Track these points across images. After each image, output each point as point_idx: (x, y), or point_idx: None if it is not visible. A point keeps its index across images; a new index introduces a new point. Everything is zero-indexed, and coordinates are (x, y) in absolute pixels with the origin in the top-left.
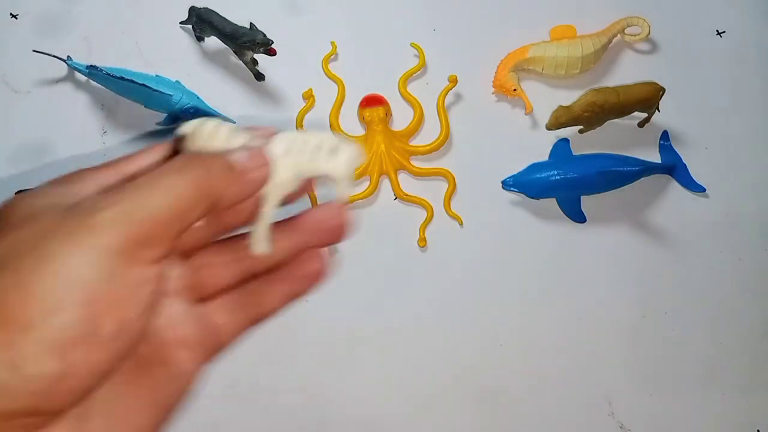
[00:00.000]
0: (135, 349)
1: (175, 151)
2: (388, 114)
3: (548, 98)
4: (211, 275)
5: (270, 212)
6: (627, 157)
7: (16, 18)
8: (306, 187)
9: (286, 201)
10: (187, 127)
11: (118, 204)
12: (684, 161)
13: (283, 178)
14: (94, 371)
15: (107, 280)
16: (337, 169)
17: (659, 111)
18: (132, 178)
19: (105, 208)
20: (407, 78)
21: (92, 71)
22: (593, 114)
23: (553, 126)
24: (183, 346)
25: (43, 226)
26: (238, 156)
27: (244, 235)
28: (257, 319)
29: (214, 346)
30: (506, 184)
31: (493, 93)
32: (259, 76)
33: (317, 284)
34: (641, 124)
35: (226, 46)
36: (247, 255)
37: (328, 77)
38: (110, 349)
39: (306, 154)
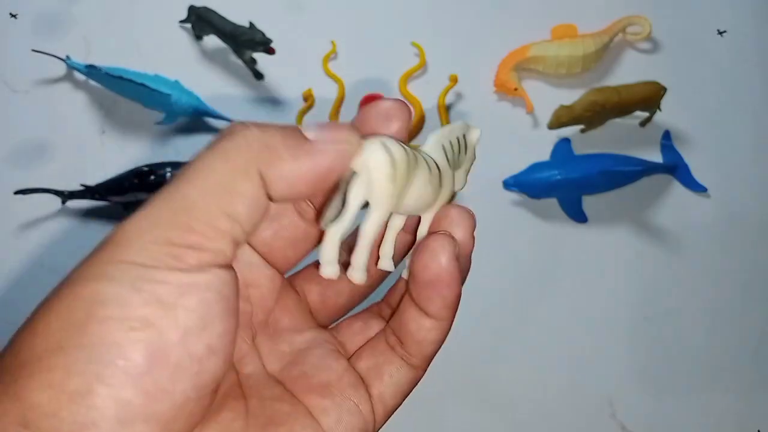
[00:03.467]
0: (200, 382)
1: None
2: None
3: (549, 97)
4: (352, 335)
5: (373, 230)
6: (628, 157)
7: (16, 18)
8: None
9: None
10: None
11: (138, 211)
12: (685, 161)
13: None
14: (127, 410)
15: (126, 300)
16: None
17: (661, 110)
18: None
19: (124, 221)
20: (408, 77)
21: (91, 71)
22: (594, 113)
23: (554, 125)
24: (321, 393)
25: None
26: (310, 127)
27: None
28: (410, 360)
29: (366, 399)
30: (507, 184)
31: (494, 92)
32: (259, 75)
33: (453, 282)
34: (643, 124)
35: (225, 45)
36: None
37: (328, 76)
38: (147, 385)
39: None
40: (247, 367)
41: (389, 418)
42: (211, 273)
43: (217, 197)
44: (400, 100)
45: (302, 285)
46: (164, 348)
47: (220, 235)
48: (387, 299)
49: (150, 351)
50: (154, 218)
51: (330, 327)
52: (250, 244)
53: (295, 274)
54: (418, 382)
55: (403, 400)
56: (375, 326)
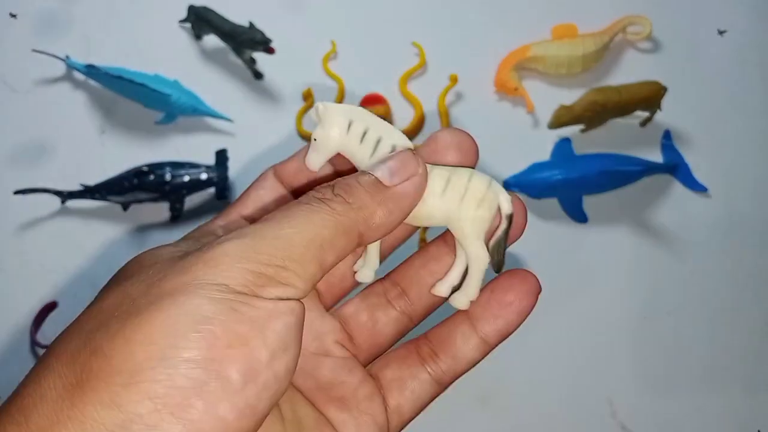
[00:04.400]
0: (275, 400)
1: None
2: (388, 113)
3: (550, 97)
4: (359, 327)
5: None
6: (629, 157)
7: (16, 17)
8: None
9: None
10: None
11: (240, 237)
12: (686, 161)
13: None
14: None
15: (226, 318)
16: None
17: (661, 110)
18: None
19: (224, 241)
20: (408, 77)
21: (91, 70)
22: (595, 113)
23: (554, 125)
24: (339, 407)
25: (156, 269)
26: (381, 171)
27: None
28: (437, 375)
29: (381, 412)
30: (507, 184)
31: (494, 92)
32: (258, 75)
33: (523, 312)
34: (643, 124)
35: (224, 44)
36: (399, 294)
37: (328, 76)
38: (239, 401)
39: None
40: None
41: (405, 427)
42: (291, 302)
43: (316, 247)
44: (460, 130)
45: None
46: (256, 367)
47: (307, 277)
48: (395, 278)
49: (244, 369)
50: (255, 248)
51: (333, 312)
52: None
53: None
54: (437, 396)
55: (420, 412)
56: (381, 317)
